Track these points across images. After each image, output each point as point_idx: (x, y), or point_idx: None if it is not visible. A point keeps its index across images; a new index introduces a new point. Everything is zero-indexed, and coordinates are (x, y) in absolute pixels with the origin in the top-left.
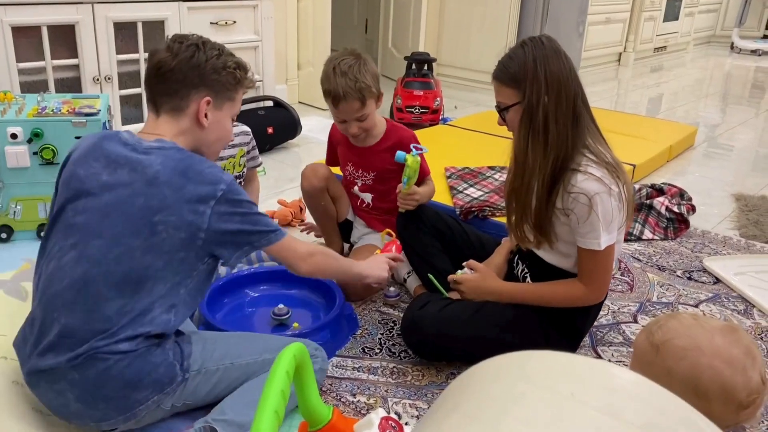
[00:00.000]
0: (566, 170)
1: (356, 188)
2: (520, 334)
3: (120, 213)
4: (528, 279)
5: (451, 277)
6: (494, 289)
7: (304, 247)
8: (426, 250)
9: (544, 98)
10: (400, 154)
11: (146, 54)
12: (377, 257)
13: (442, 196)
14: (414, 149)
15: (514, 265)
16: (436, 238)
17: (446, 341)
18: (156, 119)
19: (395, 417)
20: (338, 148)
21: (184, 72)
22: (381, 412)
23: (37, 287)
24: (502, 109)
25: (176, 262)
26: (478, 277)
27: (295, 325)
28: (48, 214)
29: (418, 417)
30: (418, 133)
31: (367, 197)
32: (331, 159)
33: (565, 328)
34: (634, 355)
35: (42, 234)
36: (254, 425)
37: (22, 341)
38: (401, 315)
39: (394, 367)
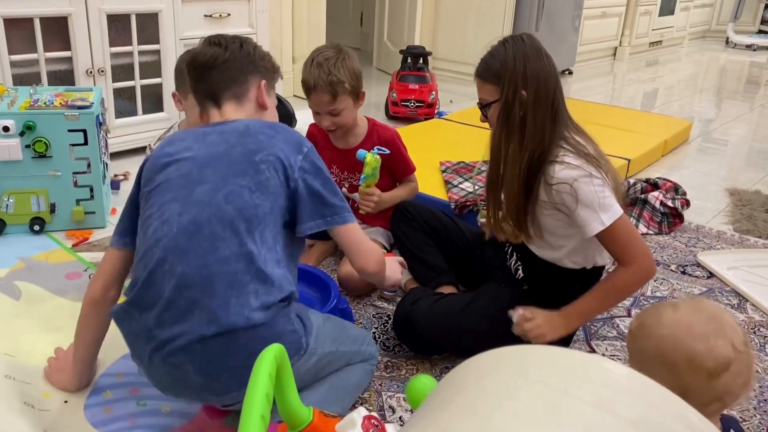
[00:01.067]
0: (544, 163)
1: (344, 189)
2: (507, 327)
3: (220, 161)
4: (520, 272)
5: (518, 332)
6: (564, 318)
7: (369, 241)
8: (418, 247)
9: (522, 93)
10: (360, 152)
11: (140, 47)
12: (390, 260)
13: (437, 190)
14: (377, 149)
15: (507, 257)
16: (430, 235)
17: (439, 335)
18: (219, 110)
19: (377, 415)
20: (317, 148)
21: (239, 60)
22: (363, 411)
23: (139, 255)
24: (483, 106)
25: (278, 209)
26: (542, 318)
27: None
28: (130, 202)
29: (411, 411)
30: (413, 127)
31: (357, 197)
32: None
33: None
34: (627, 351)
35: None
36: (240, 430)
37: (126, 314)
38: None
39: (388, 361)
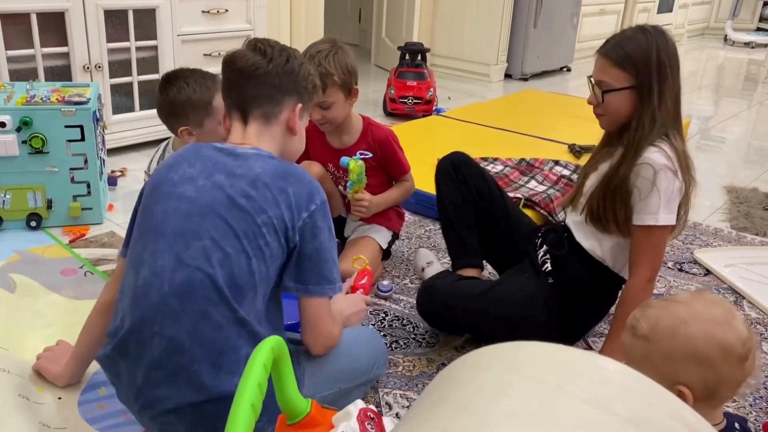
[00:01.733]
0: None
1: (341, 188)
2: (525, 314)
3: (221, 215)
4: (548, 265)
5: None
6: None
7: (330, 323)
8: (458, 216)
9: (666, 87)
10: (343, 159)
11: (138, 42)
12: (351, 297)
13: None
14: (359, 154)
15: (537, 248)
16: (472, 203)
17: (453, 312)
18: (244, 127)
19: (374, 408)
20: (312, 148)
21: (280, 76)
22: (359, 404)
23: (126, 297)
24: (606, 90)
25: (273, 271)
26: None
27: None
28: (132, 219)
29: (408, 407)
30: (411, 124)
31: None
32: (303, 155)
33: (568, 319)
34: (629, 359)
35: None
36: (230, 418)
37: (110, 360)
38: (393, 306)
39: None
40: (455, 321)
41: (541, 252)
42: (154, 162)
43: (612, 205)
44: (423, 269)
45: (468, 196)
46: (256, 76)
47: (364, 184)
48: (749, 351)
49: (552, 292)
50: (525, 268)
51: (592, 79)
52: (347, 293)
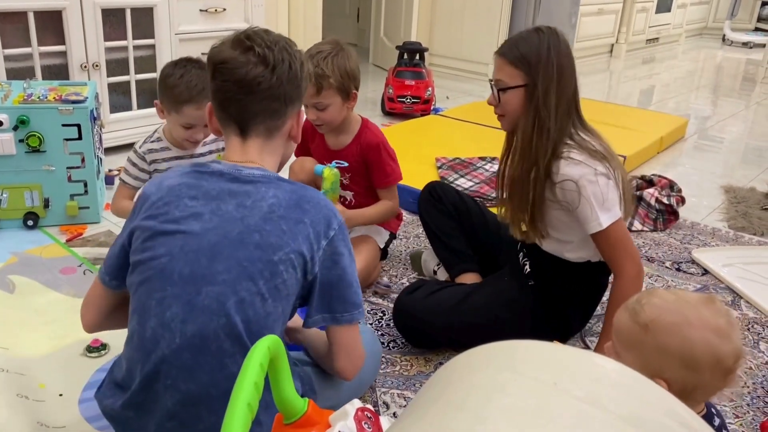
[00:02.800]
0: (553, 159)
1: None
2: (506, 322)
3: (232, 254)
4: (527, 267)
5: None
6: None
7: (361, 346)
8: (444, 230)
9: (553, 86)
10: (317, 167)
11: (135, 41)
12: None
13: None
14: (335, 163)
15: (518, 250)
16: (455, 218)
17: (431, 327)
18: (243, 142)
19: (371, 408)
20: (311, 145)
21: (284, 87)
22: (356, 403)
23: (132, 347)
24: (502, 89)
25: (288, 308)
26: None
27: None
28: (120, 249)
29: (405, 407)
30: (410, 124)
31: (348, 195)
32: (302, 151)
33: (553, 319)
34: (619, 338)
35: (105, 274)
36: (226, 418)
37: (120, 415)
38: (390, 305)
39: (382, 357)
40: (432, 335)
41: (521, 255)
42: (147, 144)
43: (542, 222)
44: (435, 271)
45: (446, 210)
46: (259, 91)
47: (337, 194)
48: (737, 367)
49: (534, 294)
50: (505, 273)
51: (491, 80)
52: None
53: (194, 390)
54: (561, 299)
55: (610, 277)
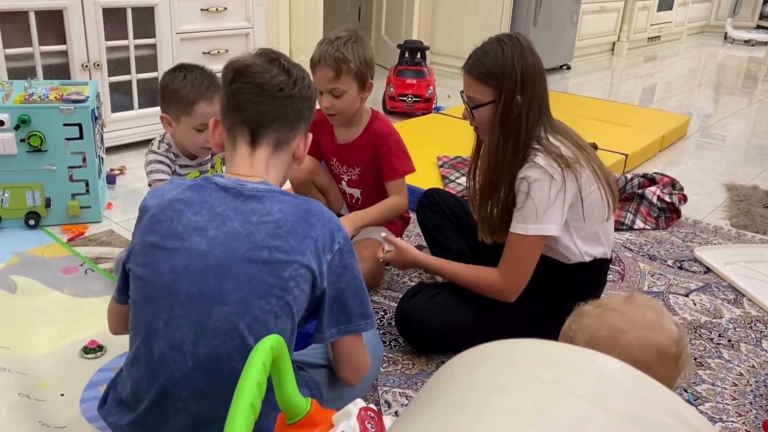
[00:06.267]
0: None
1: (344, 184)
2: (506, 321)
3: (241, 272)
4: None
5: (378, 255)
6: (413, 261)
7: (366, 355)
8: (442, 233)
9: (518, 98)
10: None
11: (136, 41)
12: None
13: (434, 185)
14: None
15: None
16: (453, 221)
17: (434, 331)
18: (251, 153)
19: (374, 407)
20: (320, 139)
21: (302, 102)
22: (359, 402)
23: (138, 368)
24: (474, 107)
25: (295, 322)
26: (396, 254)
27: None
28: (125, 267)
29: (407, 406)
30: (411, 122)
31: (356, 192)
32: (311, 146)
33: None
34: None
35: (115, 293)
36: (229, 417)
37: (130, 430)
38: (392, 304)
39: (384, 355)
40: (435, 339)
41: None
42: (155, 144)
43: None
44: None
45: (443, 213)
46: (280, 97)
47: None
48: (681, 349)
49: (533, 294)
50: None
51: (464, 95)
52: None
53: (206, 411)
54: (563, 290)
55: (608, 274)
